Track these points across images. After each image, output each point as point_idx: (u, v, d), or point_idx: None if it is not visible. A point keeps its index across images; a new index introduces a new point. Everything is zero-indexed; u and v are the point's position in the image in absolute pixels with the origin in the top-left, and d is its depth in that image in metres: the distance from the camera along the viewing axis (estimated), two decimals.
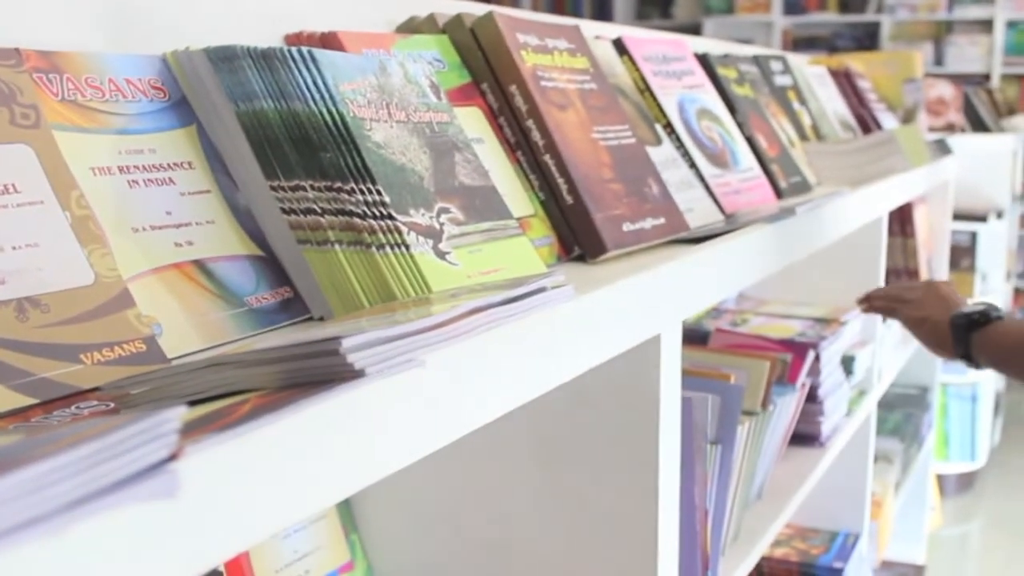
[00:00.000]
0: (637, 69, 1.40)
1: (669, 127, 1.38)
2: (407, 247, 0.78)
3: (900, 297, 1.58)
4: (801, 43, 6.85)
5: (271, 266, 0.82)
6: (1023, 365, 1.39)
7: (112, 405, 0.61)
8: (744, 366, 1.38)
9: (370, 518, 1.11)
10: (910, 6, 6.63)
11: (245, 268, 0.80)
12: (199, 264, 0.77)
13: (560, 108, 1.07)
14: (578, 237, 1.03)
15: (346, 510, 1.10)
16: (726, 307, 1.99)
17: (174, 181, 0.79)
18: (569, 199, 1.03)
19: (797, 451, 1.67)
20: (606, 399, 0.97)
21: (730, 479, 1.27)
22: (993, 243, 4.00)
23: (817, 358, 1.65)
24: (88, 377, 0.64)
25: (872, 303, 1.63)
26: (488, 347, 0.66)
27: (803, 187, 1.68)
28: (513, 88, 1.06)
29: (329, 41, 0.96)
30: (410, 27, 1.12)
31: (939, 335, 1.47)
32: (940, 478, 3.88)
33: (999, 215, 3.99)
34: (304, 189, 0.80)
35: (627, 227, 1.05)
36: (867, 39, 6.80)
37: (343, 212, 0.78)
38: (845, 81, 2.52)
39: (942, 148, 2.65)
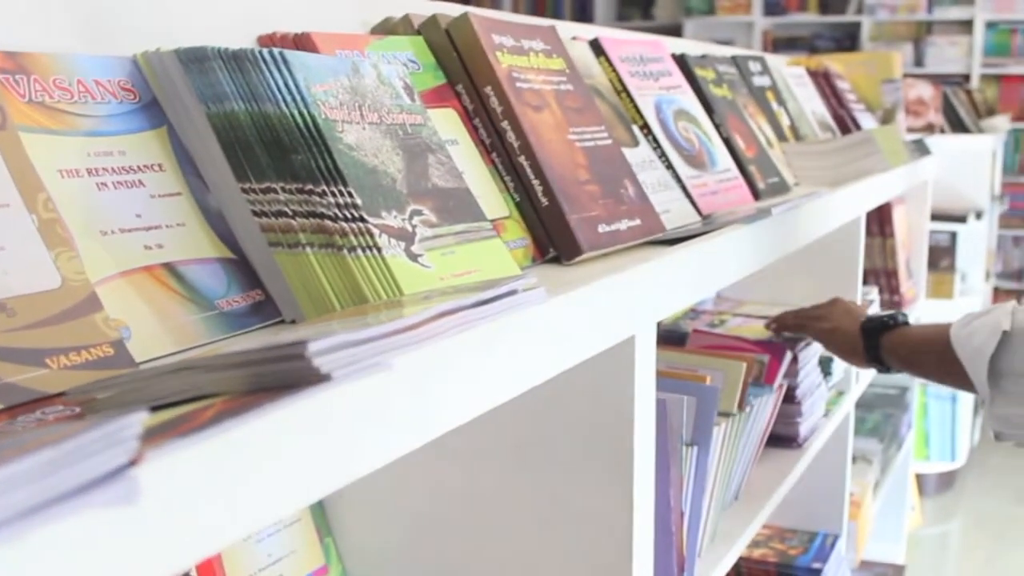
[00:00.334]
0: (614, 70, 1.40)
1: (646, 128, 1.38)
2: (379, 249, 0.77)
3: (807, 315, 1.69)
4: (781, 44, 6.87)
5: (242, 269, 0.81)
6: (930, 364, 1.46)
7: (78, 410, 0.61)
8: (721, 367, 1.38)
9: (345, 522, 1.11)
10: (890, 7, 6.66)
11: (216, 271, 0.79)
12: (169, 267, 0.76)
13: (536, 109, 1.07)
14: (553, 239, 1.03)
15: (321, 514, 1.10)
16: (704, 308, 1.99)
17: (144, 183, 0.78)
18: (544, 200, 1.03)
19: (775, 452, 1.67)
20: (581, 401, 0.96)
21: (706, 480, 1.27)
22: (973, 243, 4.02)
23: (795, 359, 1.65)
24: (54, 382, 0.63)
25: (781, 324, 1.72)
26: (459, 350, 0.65)
27: (781, 188, 1.68)
28: (488, 89, 1.05)
29: (302, 42, 0.96)
30: (385, 28, 1.11)
31: (850, 341, 1.57)
32: (920, 477, 3.89)
33: (978, 215, 4.02)
34: (275, 191, 0.79)
35: (602, 228, 1.05)
36: (847, 40, 6.82)
37: (314, 214, 0.78)
38: (824, 82, 2.53)
39: (921, 148, 2.66)
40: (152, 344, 0.71)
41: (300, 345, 0.52)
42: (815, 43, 6.83)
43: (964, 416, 4.12)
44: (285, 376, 0.54)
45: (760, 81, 2.02)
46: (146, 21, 0.88)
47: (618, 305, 0.90)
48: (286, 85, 0.80)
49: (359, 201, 0.78)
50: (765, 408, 1.51)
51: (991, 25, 6.49)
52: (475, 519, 1.04)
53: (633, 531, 0.97)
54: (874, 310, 2.24)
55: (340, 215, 0.77)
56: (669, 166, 1.37)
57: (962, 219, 3.93)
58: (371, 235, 0.77)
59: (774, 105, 2.02)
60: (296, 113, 0.79)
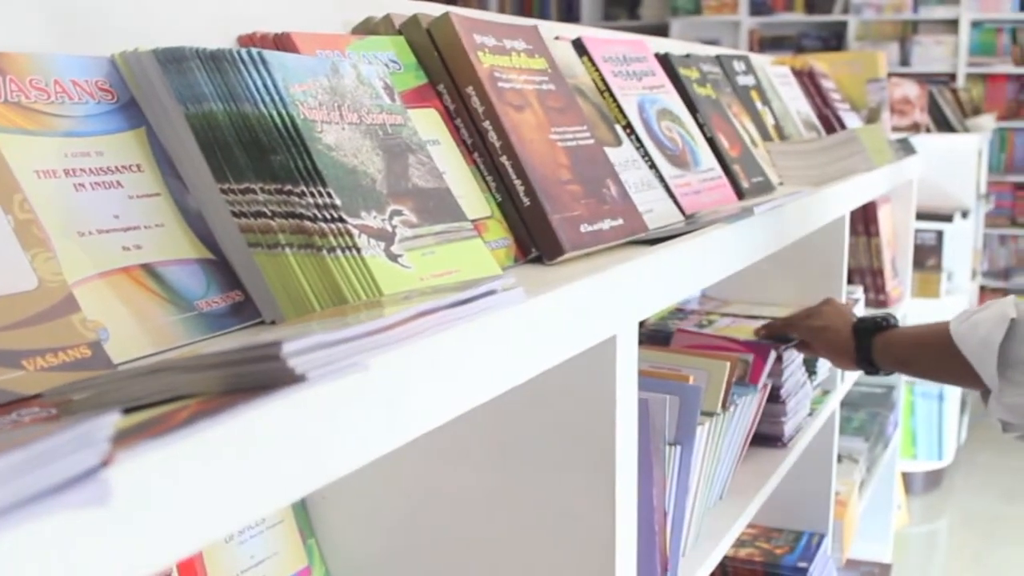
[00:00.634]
0: (597, 70, 1.40)
1: (629, 128, 1.38)
2: (358, 250, 0.77)
3: (797, 314, 1.70)
4: (768, 43, 6.89)
5: (222, 269, 0.81)
6: (927, 362, 1.47)
7: (54, 412, 0.60)
8: (704, 367, 1.38)
9: (327, 523, 1.10)
10: (876, 6, 6.68)
11: (195, 272, 0.79)
12: (148, 268, 0.76)
13: (517, 109, 1.07)
14: (535, 238, 1.03)
15: (303, 515, 1.10)
16: (691, 308, 1.99)
17: (122, 184, 0.78)
18: (526, 200, 1.03)
19: (760, 452, 1.67)
20: (562, 401, 0.96)
21: (690, 480, 1.27)
22: (959, 242, 4.04)
23: (779, 358, 1.65)
24: (30, 383, 0.63)
25: (770, 331, 1.72)
26: (436, 350, 0.65)
27: (765, 187, 1.68)
28: (470, 89, 1.05)
29: (282, 42, 0.95)
30: (366, 28, 1.11)
31: (841, 341, 1.58)
32: (907, 476, 3.90)
33: (964, 214, 4.03)
34: (254, 192, 0.79)
35: (585, 228, 1.05)
36: (833, 39, 6.84)
37: (293, 215, 0.78)
38: (809, 81, 2.53)
39: (906, 148, 2.67)
40: (130, 345, 0.71)
41: (275, 346, 0.52)
42: (801, 42, 6.86)
43: (951, 415, 4.13)
44: (261, 377, 0.54)
45: (744, 80, 2.02)
46: (124, 21, 0.87)
47: (599, 305, 0.90)
48: (264, 85, 0.79)
49: (338, 202, 0.78)
50: (749, 407, 1.51)
51: (976, 24, 6.52)
52: (457, 519, 1.04)
53: (616, 531, 0.97)
54: (859, 309, 2.25)
55: (319, 216, 0.77)
56: (652, 166, 1.37)
57: (948, 218, 3.94)
58: (350, 236, 0.77)
59: (758, 104, 2.02)
60: (275, 113, 0.79)
